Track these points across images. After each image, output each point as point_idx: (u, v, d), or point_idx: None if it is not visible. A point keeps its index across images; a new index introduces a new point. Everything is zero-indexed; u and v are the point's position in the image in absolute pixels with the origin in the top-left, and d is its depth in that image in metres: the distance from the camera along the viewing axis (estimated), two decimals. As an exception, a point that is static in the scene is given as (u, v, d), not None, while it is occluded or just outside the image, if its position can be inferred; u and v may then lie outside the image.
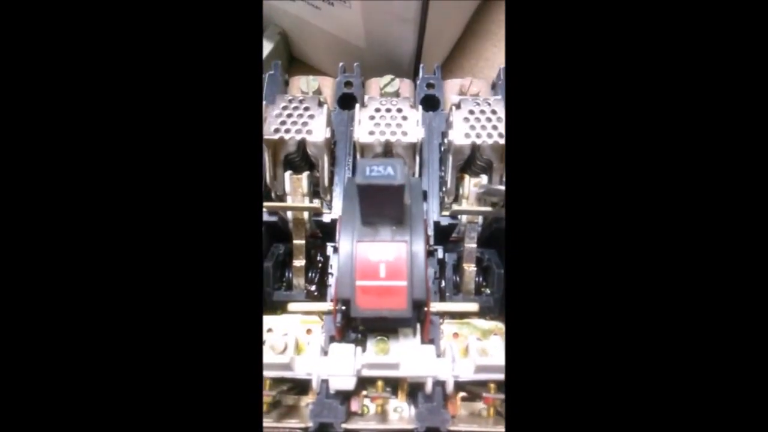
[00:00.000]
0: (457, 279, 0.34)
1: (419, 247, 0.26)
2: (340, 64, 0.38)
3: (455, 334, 0.31)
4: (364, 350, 0.28)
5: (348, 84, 0.37)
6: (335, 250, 0.33)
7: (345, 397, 0.28)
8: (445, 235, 0.34)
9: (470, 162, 0.32)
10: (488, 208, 0.31)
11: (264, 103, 0.32)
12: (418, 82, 0.37)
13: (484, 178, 0.33)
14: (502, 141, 0.31)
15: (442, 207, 0.34)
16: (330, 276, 0.32)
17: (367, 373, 0.27)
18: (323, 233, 0.34)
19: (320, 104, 0.32)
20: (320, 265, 0.34)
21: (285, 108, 0.31)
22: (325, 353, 0.28)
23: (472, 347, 0.28)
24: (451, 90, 0.38)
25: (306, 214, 0.32)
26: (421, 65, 0.38)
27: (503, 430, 0.27)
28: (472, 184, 0.32)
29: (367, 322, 0.28)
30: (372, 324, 0.28)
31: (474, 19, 0.53)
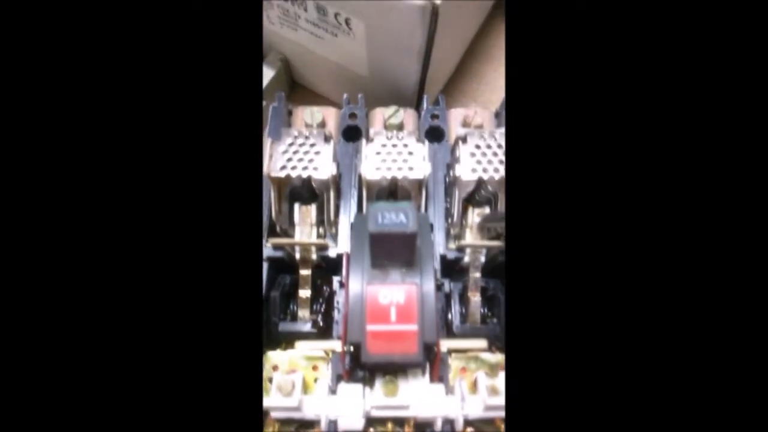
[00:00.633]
0: (464, 310, 0.33)
1: (429, 287, 0.26)
2: (345, 95, 0.38)
3: (463, 369, 0.31)
4: (371, 388, 0.28)
5: (353, 116, 0.37)
6: (341, 285, 0.32)
7: (353, 436, 0.28)
8: (451, 268, 0.34)
9: (474, 193, 0.32)
10: (495, 243, 0.31)
11: (270, 140, 0.32)
12: (422, 113, 0.37)
13: (487, 209, 0.33)
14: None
15: (447, 238, 0.34)
16: (336, 311, 0.32)
17: (376, 413, 0.27)
18: (328, 265, 0.34)
19: (326, 139, 0.32)
20: (326, 295, 0.34)
21: (291, 144, 0.31)
22: (333, 392, 0.28)
23: (481, 385, 0.28)
24: (455, 119, 0.38)
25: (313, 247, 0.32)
26: (425, 96, 0.38)
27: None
28: (475, 215, 0.32)
29: (377, 366, 0.27)
30: (381, 367, 0.27)
31: (474, 41, 0.53)
